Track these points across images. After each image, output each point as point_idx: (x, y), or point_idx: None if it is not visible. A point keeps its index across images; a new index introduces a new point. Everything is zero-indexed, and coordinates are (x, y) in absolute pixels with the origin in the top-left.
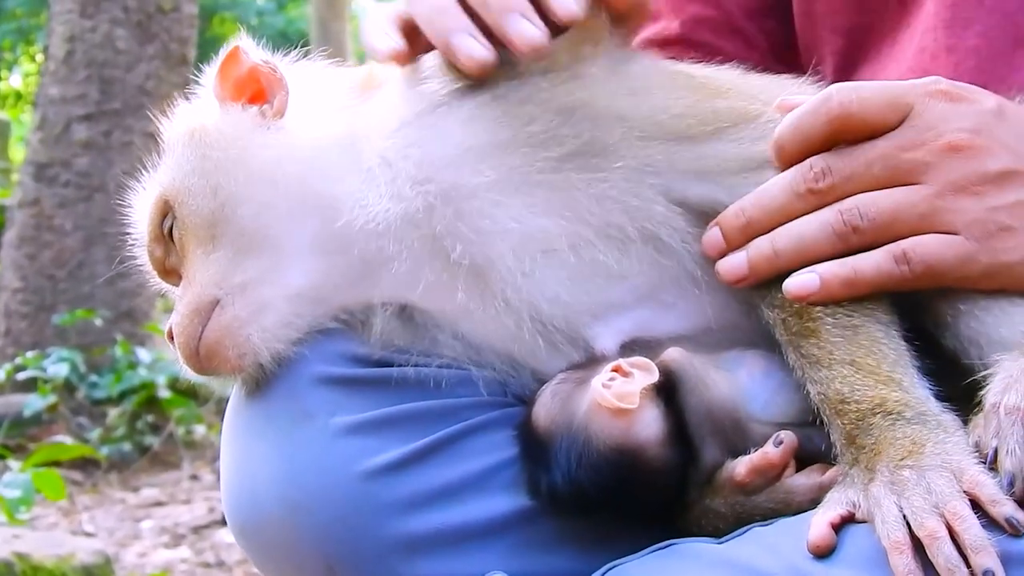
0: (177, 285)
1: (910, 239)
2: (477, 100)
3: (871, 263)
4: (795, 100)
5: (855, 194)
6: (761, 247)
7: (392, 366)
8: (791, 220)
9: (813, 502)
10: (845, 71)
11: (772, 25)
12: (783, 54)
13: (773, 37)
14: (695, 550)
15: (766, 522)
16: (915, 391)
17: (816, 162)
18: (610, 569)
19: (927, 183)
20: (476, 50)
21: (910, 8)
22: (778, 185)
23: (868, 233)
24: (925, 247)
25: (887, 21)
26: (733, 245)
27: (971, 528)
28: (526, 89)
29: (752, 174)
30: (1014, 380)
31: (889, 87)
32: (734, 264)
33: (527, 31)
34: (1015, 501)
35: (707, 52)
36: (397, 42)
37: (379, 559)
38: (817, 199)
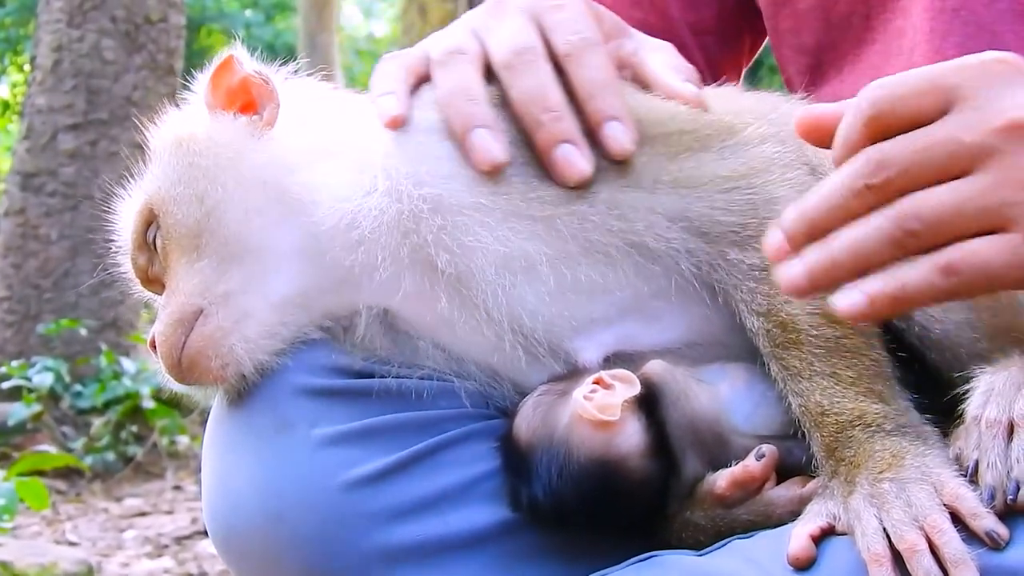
0: (160, 294)
1: (958, 247)
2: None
3: (918, 278)
4: (813, 113)
5: (913, 188)
6: (819, 258)
7: (374, 377)
8: (850, 218)
9: (793, 514)
10: (811, 89)
11: (712, 44)
12: (716, 74)
13: (711, 55)
14: (675, 562)
15: (746, 534)
16: (895, 403)
17: (872, 153)
18: None
19: (990, 171)
20: (494, 151)
21: (874, 24)
22: (835, 183)
23: (926, 237)
24: (975, 255)
25: (850, 39)
26: (796, 247)
27: (951, 542)
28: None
29: (728, 192)
30: (995, 393)
31: (923, 72)
32: (794, 274)
33: (578, 164)
34: (995, 514)
35: None
36: (397, 107)
37: (360, 570)
38: (875, 196)
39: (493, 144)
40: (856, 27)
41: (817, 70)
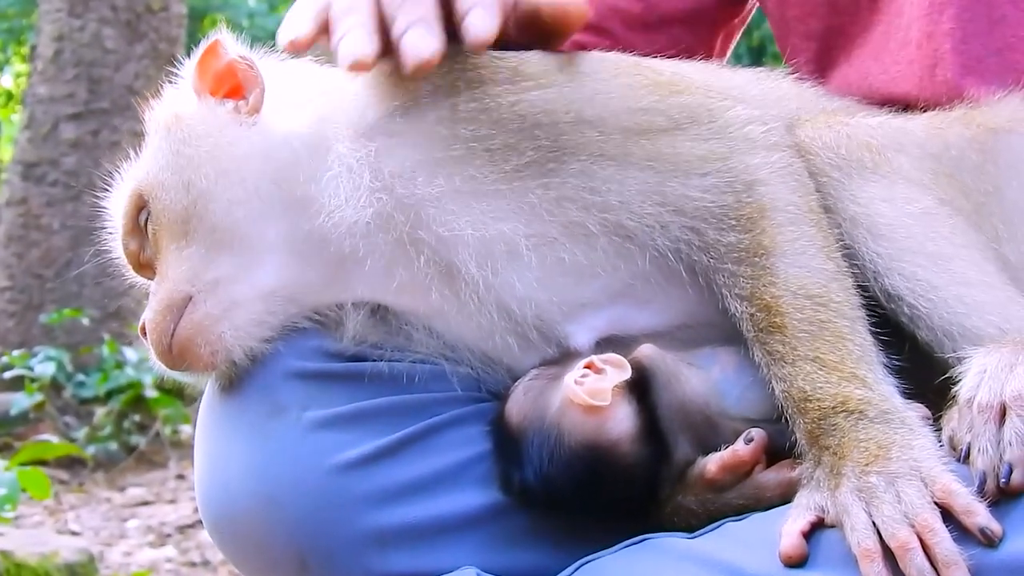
0: (151, 279)
1: None
2: (437, 114)
3: None
4: None
5: None
6: None
7: (366, 361)
8: None
9: (783, 497)
10: (820, 75)
11: (681, 34)
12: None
13: (679, 45)
14: (667, 544)
15: (738, 517)
16: (879, 388)
17: None
18: (583, 564)
19: None
20: (360, 48)
21: (880, 6)
22: None
23: None
24: None
25: (857, 22)
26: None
27: (942, 542)
28: (487, 101)
29: (705, 175)
30: (987, 376)
31: None
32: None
33: (422, 46)
34: (988, 497)
35: (613, 43)
36: (301, 31)
37: (351, 552)
38: None
39: (361, 42)
40: (863, 9)
41: (825, 56)
